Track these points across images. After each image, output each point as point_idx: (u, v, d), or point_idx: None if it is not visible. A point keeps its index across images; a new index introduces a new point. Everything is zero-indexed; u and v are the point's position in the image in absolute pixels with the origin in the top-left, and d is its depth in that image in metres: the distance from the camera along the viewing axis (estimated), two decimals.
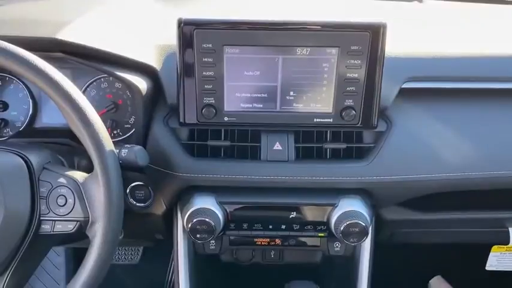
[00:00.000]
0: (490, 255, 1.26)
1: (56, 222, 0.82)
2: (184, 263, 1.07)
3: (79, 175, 0.84)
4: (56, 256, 1.80)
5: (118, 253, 1.83)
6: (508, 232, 1.17)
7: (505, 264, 1.25)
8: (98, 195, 0.80)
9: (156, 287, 1.84)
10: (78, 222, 0.82)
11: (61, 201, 0.81)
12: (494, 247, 1.25)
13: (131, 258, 1.84)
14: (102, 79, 1.06)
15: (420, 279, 1.78)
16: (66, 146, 1.01)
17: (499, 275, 1.82)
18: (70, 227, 0.82)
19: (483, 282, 1.82)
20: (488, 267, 1.27)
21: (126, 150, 0.90)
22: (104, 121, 1.03)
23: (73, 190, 0.81)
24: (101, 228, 0.80)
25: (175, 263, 1.09)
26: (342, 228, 0.97)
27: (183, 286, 1.07)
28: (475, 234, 1.20)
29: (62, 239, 0.86)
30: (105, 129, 0.83)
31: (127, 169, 0.94)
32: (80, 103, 0.80)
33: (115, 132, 1.07)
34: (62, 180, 0.82)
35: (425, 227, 1.16)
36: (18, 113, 1.07)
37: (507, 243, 1.16)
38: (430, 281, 1.76)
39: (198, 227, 0.97)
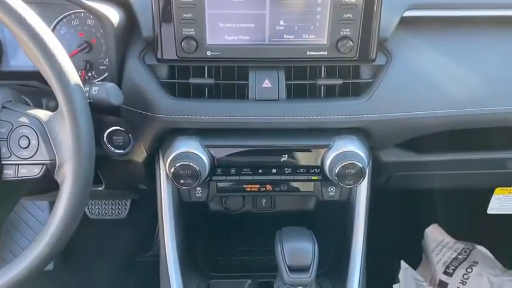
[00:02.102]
0: (492, 198, 1.21)
1: (20, 166, 0.74)
2: (169, 212, 1.01)
3: (42, 114, 0.75)
4: (40, 212, 1.75)
5: (105, 208, 1.77)
6: None
7: (507, 207, 1.20)
8: (64, 134, 0.72)
9: (145, 241, 1.80)
10: (44, 166, 0.74)
11: (24, 142, 0.73)
12: (498, 189, 1.20)
13: (118, 213, 1.78)
14: (72, 15, 0.97)
15: (417, 228, 1.75)
16: (34, 88, 0.92)
17: (497, 222, 1.80)
18: (36, 171, 0.74)
19: (480, 230, 1.80)
20: (490, 211, 1.22)
21: (97, 88, 0.82)
22: (77, 62, 0.95)
23: (36, 130, 0.73)
24: (69, 172, 0.72)
25: (159, 212, 1.02)
26: (337, 170, 0.90)
27: (169, 236, 1.01)
28: (477, 177, 1.14)
29: (30, 186, 0.79)
30: (70, 62, 0.73)
31: (100, 111, 0.85)
32: (38, 32, 0.70)
33: (89, 74, 0.99)
34: (23, 119, 0.74)
35: (424, 169, 1.09)
36: None
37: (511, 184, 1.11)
38: (426, 230, 1.73)
39: (181, 172, 0.89)
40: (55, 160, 0.74)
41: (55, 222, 0.73)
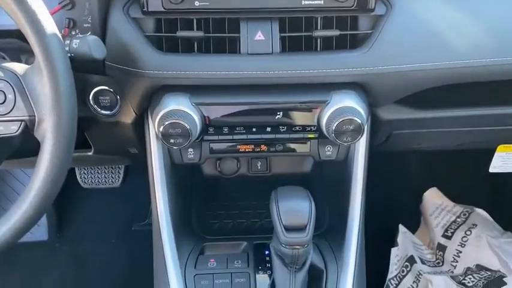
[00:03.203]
0: (495, 156, 1.17)
1: None
2: (160, 174, 0.97)
3: (18, 67, 0.70)
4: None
5: (98, 176, 1.74)
6: None
7: (510, 165, 1.17)
8: (43, 89, 0.68)
9: (141, 210, 1.78)
10: (23, 122, 0.70)
11: None
12: (500, 146, 1.16)
13: (112, 181, 1.74)
14: None
15: (415, 192, 1.72)
16: (13, 45, 0.87)
17: (496, 184, 1.78)
18: (14, 129, 0.70)
19: (479, 193, 1.78)
20: (492, 169, 1.19)
21: (78, 41, 0.77)
22: (59, 20, 0.89)
23: (12, 84, 0.69)
24: (50, 128, 0.68)
25: (150, 174, 0.98)
26: (334, 127, 0.86)
27: (161, 199, 0.97)
28: (477, 135, 1.10)
29: (9, 146, 0.74)
30: (49, 16, 0.69)
31: (83, 67, 0.81)
32: None
33: (73, 33, 0.92)
34: None
35: (424, 127, 1.05)
36: None
37: None
38: (425, 193, 1.70)
39: (170, 130, 0.85)
40: (34, 116, 0.69)
41: (37, 183, 0.69)
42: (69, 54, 0.79)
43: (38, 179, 0.68)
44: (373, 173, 1.05)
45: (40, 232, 1.78)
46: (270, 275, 0.94)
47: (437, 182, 1.74)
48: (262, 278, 0.93)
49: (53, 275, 1.70)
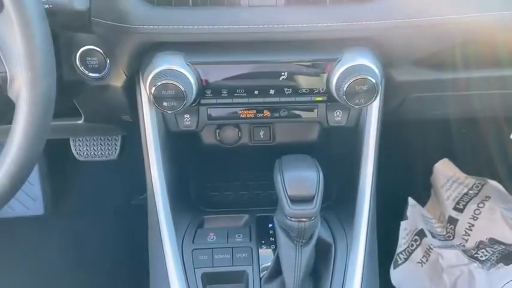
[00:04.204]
0: None
1: None
2: (154, 142, 0.89)
3: None
4: None
5: (93, 149, 1.66)
6: None
7: None
8: (14, 41, 0.59)
9: (139, 183, 1.71)
10: None
11: None
12: None
13: (108, 153, 1.67)
14: None
15: (426, 163, 1.65)
16: None
17: (511, 155, 1.71)
18: None
19: (493, 165, 1.71)
20: None
21: None
22: None
23: None
24: (24, 87, 0.60)
25: (143, 143, 0.91)
26: (345, 88, 0.78)
27: (155, 169, 0.90)
28: (500, 98, 1.01)
29: None
30: None
31: (65, 22, 0.72)
32: None
33: None
34: None
35: (442, 90, 0.97)
36: None
37: None
38: (435, 165, 1.63)
39: (163, 92, 0.77)
40: (5, 73, 0.61)
41: (13, 149, 0.62)
42: (47, 6, 0.71)
43: (14, 142, 0.61)
44: (381, 144, 0.98)
45: (36, 207, 1.73)
46: (273, 250, 0.88)
47: (449, 153, 1.66)
48: (266, 253, 0.87)
49: (50, 250, 1.66)
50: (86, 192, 1.77)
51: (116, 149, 1.67)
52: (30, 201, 1.72)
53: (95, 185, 1.79)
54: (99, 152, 1.67)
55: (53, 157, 1.71)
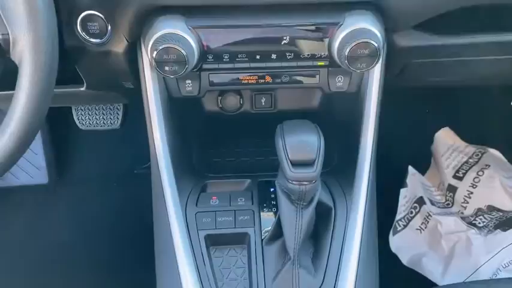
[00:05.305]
0: None
1: None
2: (156, 108, 0.90)
3: None
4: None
5: (96, 118, 1.67)
6: None
7: None
8: (15, 2, 0.59)
9: (142, 153, 1.72)
10: None
11: None
12: None
13: (111, 122, 1.68)
14: None
15: (426, 132, 1.65)
16: None
17: (511, 124, 1.71)
18: None
19: (493, 134, 1.71)
20: None
21: None
22: None
23: None
24: (27, 49, 0.60)
25: (146, 109, 0.91)
26: (347, 52, 0.78)
27: (158, 135, 0.91)
28: (498, 64, 1.01)
29: None
30: None
31: None
32: None
33: None
34: None
35: (445, 55, 0.96)
36: None
37: None
38: (436, 134, 1.63)
39: (165, 56, 0.77)
40: (8, 35, 0.61)
41: (18, 110, 0.62)
42: None
43: (19, 105, 0.62)
44: (383, 113, 0.98)
45: (41, 175, 1.75)
46: (275, 213, 0.89)
47: (450, 122, 1.66)
48: (267, 216, 0.89)
49: (54, 218, 1.69)
50: (90, 161, 1.79)
51: (118, 118, 1.67)
52: (35, 170, 1.74)
53: (98, 154, 1.81)
54: (101, 122, 1.67)
55: (55, 126, 1.72)
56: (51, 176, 1.75)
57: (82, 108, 1.64)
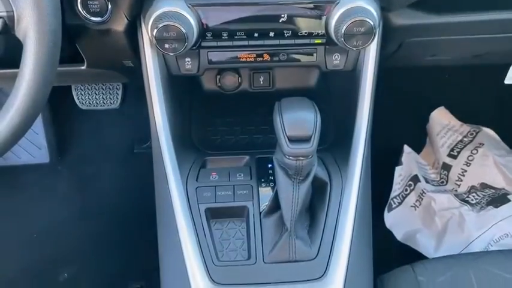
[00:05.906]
0: (511, 68, 1.11)
1: None
2: (156, 85, 0.91)
3: None
4: None
5: (95, 97, 1.69)
6: None
7: None
8: None
9: (142, 132, 1.75)
10: (1, 20, 0.63)
11: None
12: None
13: (110, 102, 1.70)
14: None
15: (422, 111, 1.68)
16: None
17: (505, 103, 1.73)
18: None
19: (488, 113, 1.74)
20: (507, 80, 1.13)
21: None
22: None
23: None
24: (31, 26, 0.62)
25: (146, 87, 0.93)
26: (343, 30, 0.79)
27: (158, 112, 0.93)
28: (497, 42, 1.02)
29: None
30: None
31: None
32: None
33: None
34: None
35: (439, 34, 0.98)
36: None
37: None
38: (432, 113, 1.66)
39: (165, 34, 0.79)
40: (12, 12, 0.63)
41: (23, 86, 0.64)
42: None
43: (24, 80, 0.63)
44: (379, 92, 1.00)
45: (42, 155, 1.77)
46: (272, 188, 0.92)
47: (445, 102, 1.68)
48: (265, 191, 0.92)
49: (56, 197, 1.71)
50: (90, 140, 1.81)
51: (117, 98, 1.69)
52: (36, 149, 1.76)
53: (98, 134, 1.82)
54: (101, 101, 1.69)
55: (55, 106, 1.73)
56: (52, 155, 1.77)
57: (82, 87, 1.66)
